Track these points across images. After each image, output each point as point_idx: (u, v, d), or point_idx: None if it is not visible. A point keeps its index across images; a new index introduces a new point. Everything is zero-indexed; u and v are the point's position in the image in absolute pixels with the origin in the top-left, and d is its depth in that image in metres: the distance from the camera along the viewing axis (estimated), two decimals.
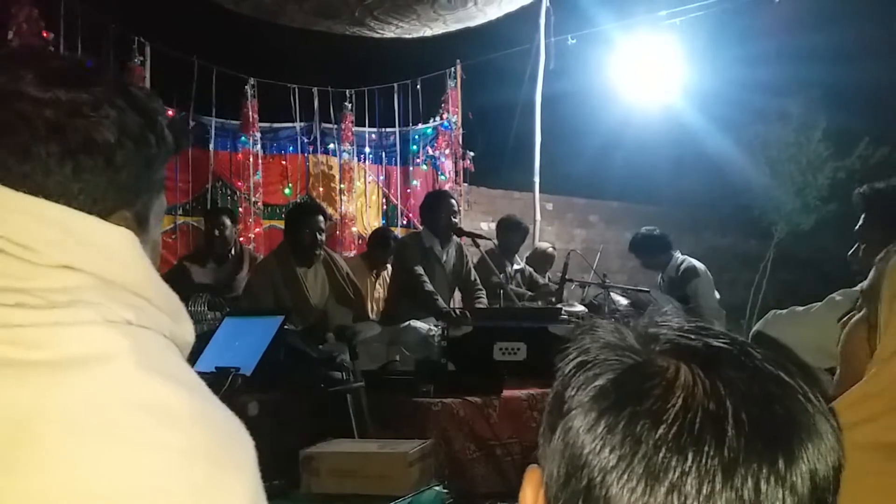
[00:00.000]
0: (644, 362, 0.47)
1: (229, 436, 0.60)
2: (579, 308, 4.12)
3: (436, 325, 3.31)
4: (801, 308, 1.70)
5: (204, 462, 0.56)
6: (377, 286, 4.63)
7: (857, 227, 2.09)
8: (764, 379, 0.46)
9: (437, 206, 3.82)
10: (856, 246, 2.08)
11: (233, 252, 4.05)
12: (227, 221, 4.04)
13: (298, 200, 5.90)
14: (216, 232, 3.96)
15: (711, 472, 0.42)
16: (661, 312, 0.52)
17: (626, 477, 0.43)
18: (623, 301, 4.27)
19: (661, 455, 0.43)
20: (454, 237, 3.86)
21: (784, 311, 1.75)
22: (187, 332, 0.67)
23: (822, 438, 0.45)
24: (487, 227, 6.74)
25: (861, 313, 0.99)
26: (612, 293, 4.26)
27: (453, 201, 3.92)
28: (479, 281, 3.97)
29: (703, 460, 0.42)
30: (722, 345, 0.48)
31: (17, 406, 0.53)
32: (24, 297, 0.58)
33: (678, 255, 4.58)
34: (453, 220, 3.82)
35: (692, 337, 0.49)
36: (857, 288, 1.06)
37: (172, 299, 0.67)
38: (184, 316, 0.68)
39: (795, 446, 0.44)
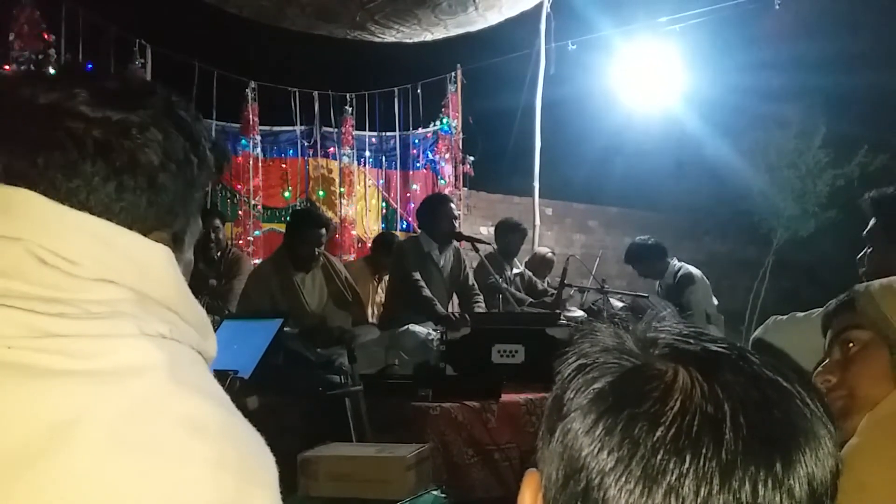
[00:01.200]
0: (643, 365, 0.48)
1: (256, 451, 0.62)
2: (578, 313, 4.12)
3: (434, 329, 3.31)
4: (801, 314, 1.70)
5: (234, 475, 0.58)
6: (379, 290, 4.62)
7: (865, 231, 2.14)
8: (762, 383, 0.46)
9: (436, 211, 3.77)
10: (865, 250, 2.13)
11: (219, 254, 3.97)
12: (220, 224, 3.98)
13: (299, 205, 5.90)
14: (211, 235, 3.85)
15: (709, 475, 0.42)
16: (659, 317, 0.52)
17: (623, 479, 0.43)
18: (622, 306, 4.27)
19: (658, 457, 0.43)
20: (452, 241, 3.84)
21: (784, 316, 1.75)
22: (212, 347, 0.69)
23: (820, 443, 0.45)
24: (487, 231, 6.74)
25: (858, 348, 1.02)
26: (610, 298, 4.27)
27: (453, 205, 3.89)
28: (476, 286, 3.95)
29: (701, 463, 0.42)
30: (720, 349, 0.48)
31: (58, 414, 0.54)
32: (66, 307, 0.59)
33: (675, 263, 4.58)
34: (453, 224, 3.79)
35: (691, 341, 0.49)
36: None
37: (201, 315, 0.69)
38: (210, 331, 0.70)
39: (793, 450, 0.44)
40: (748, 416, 0.44)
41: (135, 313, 0.61)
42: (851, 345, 1.03)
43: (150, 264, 0.66)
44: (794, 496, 0.43)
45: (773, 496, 0.43)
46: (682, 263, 4.60)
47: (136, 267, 0.64)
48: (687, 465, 0.42)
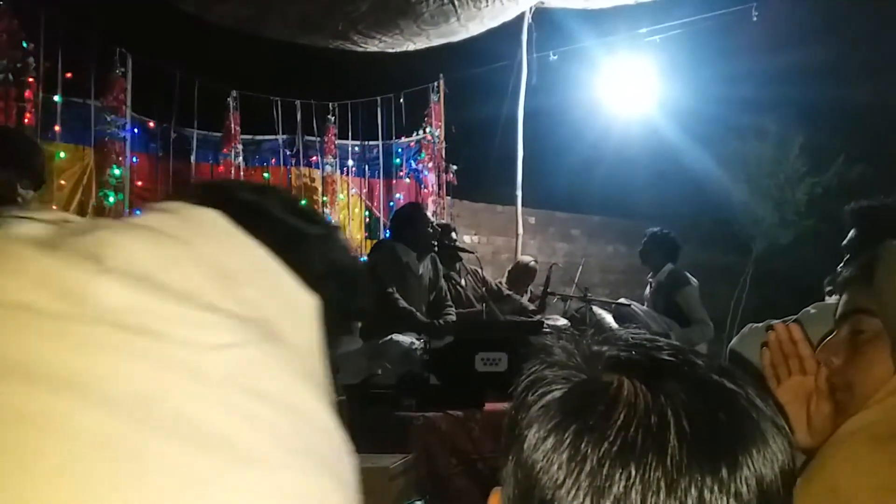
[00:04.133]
0: (589, 379, 0.48)
1: None
2: (561, 322, 4.14)
3: (418, 338, 3.30)
4: (775, 322, 1.72)
5: None
6: None
7: (844, 242, 2.19)
8: (706, 388, 0.46)
9: (415, 220, 3.69)
10: (845, 259, 2.18)
11: None
12: None
13: None
14: None
15: (655, 485, 0.43)
16: (610, 327, 0.53)
17: (573, 493, 0.44)
18: (605, 314, 4.29)
19: (605, 470, 0.43)
20: (432, 250, 3.74)
21: (759, 324, 1.77)
22: None
23: (766, 443, 0.45)
24: (470, 240, 6.76)
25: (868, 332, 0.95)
26: (593, 307, 4.28)
27: (428, 213, 3.82)
28: (449, 296, 3.86)
29: (647, 473, 0.43)
30: (665, 357, 0.48)
31: None
32: None
33: (670, 265, 4.61)
34: (434, 233, 3.73)
35: (635, 351, 0.49)
36: (832, 301, 1.07)
37: None
38: None
39: (739, 453, 0.44)
40: (692, 422, 0.44)
41: None
42: (862, 331, 0.95)
43: None
44: (742, 498, 0.44)
45: (721, 500, 0.43)
46: (677, 267, 4.63)
47: None
48: (633, 476, 0.43)
